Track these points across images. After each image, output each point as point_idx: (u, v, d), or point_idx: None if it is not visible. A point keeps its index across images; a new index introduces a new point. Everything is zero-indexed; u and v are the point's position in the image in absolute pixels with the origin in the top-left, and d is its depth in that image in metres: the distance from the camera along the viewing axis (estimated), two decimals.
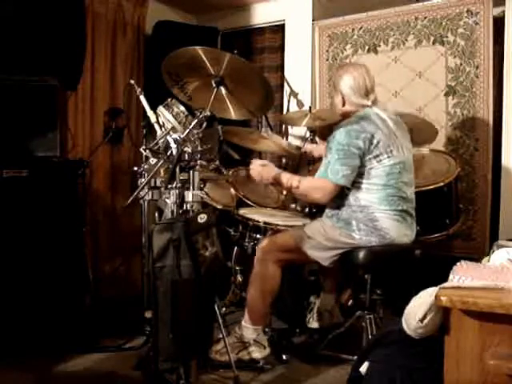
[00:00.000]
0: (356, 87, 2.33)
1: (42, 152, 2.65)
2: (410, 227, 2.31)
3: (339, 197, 2.27)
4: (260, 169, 2.41)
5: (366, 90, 2.33)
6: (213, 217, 2.03)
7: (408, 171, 2.33)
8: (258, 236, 2.69)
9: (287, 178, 2.34)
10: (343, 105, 2.38)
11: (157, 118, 2.22)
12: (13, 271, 2.45)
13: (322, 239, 2.28)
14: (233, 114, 2.61)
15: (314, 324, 2.74)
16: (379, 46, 3.58)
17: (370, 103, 2.33)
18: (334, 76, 2.53)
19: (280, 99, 4.00)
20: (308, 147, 3.03)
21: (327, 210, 2.37)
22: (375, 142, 2.20)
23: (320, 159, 2.57)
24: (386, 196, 2.23)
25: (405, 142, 2.35)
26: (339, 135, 2.22)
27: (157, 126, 2.21)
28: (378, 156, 2.21)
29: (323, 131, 3.57)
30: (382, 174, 2.22)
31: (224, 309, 2.98)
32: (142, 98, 2.31)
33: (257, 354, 2.36)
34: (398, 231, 2.25)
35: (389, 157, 2.23)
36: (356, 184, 2.25)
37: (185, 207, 2.07)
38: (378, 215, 2.23)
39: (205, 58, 2.29)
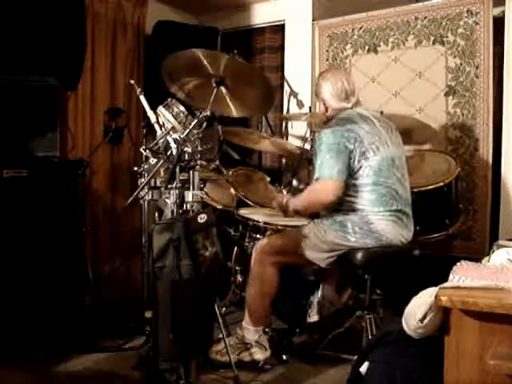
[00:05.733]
0: (335, 92, 2.37)
1: (42, 152, 2.65)
2: (406, 227, 2.31)
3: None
4: (274, 204, 2.48)
5: (345, 93, 2.37)
6: (213, 217, 2.02)
7: (398, 168, 2.32)
8: (258, 236, 2.69)
9: (294, 200, 2.38)
10: (326, 111, 2.44)
11: (157, 118, 2.22)
12: (13, 271, 2.45)
13: (319, 241, 2.28)
14: (234, 112, 2.61)
15: (313, 317, 2.72)
16: (379, 45, 3.58)
17: (350, 105, 2.36)
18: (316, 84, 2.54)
19: (280, 99, 4.00)
20: None
21: (322, 213, 2.38)
22: (359, 139, 2.22)
23: None
24: (377, 197, 2.23)
25: (392, 138, 2.36)
26: (326, 137, 2.25)
27: (157, 126, 2.21)
28: (363, 153, 2.22)
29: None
30: (370, 172, 2.22)
31: (224, 309, 2.97)
32: (142, 98, 2.31)
33: (258, 355, 2.36)
34: (394, 232, 2.25)
35: (374, 153, 2.24)
36: (346, 186, 2.24)
37: (185, 207, 2.07)
38: (372, 218, 2.23)
39: (204, 60, 2.29)
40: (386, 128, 2.36)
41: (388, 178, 2.26)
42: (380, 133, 2.30)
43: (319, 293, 2.77)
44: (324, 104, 2.43)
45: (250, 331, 2.38)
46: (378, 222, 2.22)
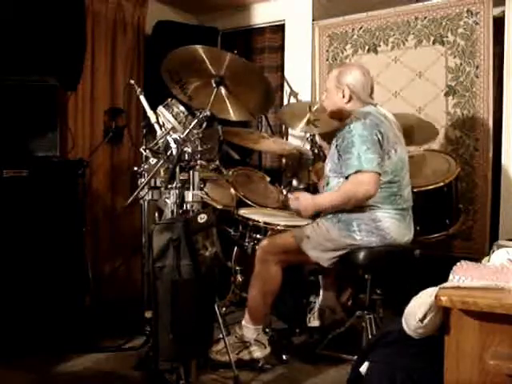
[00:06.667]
0: (365, 84, 2.33)
1: (42, 152, 2.65)
2: (408, 227, 2.32)
3: None
4: (296, 204, 2.34)
5: (371, 88, 2.36)
6: (213, 217, 2.02)
7: (406, 170, 2.34)
8: (258, 236, 2.69)
9: (324, 198, 2.30)
10: (348, 101, 2.33)
11: (157, 118, 2.22)
12: (13, 271, 2.45)
13: (323, 240, 2.28)
14: (232, 114, 2.61)
15: (314, 323, 2.73)
16: (379, 45, 3.58)
17: (373, 102, 2.36)
18: (334, 73, 2.39)
19: (280, 99, 4.00)
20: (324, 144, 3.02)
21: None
22: (385, 136, 2.20)
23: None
24: (389, 195, 2.24)
25: (402, 141, 2.37)
26: (356, 129, 2.18)
27: (157, 126, 2.21)
28: (388, 152, 2.21)
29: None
30: (389, 170, 2.22)
31: (224, 309, 2.98)
32: (142, 98, 2.31)
33: (258, 353, 2.36)
34: (399, 231, 2.26)
35: (395, 152, 2.24)
36: None
37: (185, 207, 2.07)
38: (380, 215, 2.23)
39: (205, 58, 2.29)
40: (398, 129, 2.37)
41: (401, 178, 2.27)
42: (396, 132, 2.31)
43: (320, 299, 2.78)
44: (348, 94, 2.31)
45: (250, 329, 2.38)
46: (385, 219, 2.23)
